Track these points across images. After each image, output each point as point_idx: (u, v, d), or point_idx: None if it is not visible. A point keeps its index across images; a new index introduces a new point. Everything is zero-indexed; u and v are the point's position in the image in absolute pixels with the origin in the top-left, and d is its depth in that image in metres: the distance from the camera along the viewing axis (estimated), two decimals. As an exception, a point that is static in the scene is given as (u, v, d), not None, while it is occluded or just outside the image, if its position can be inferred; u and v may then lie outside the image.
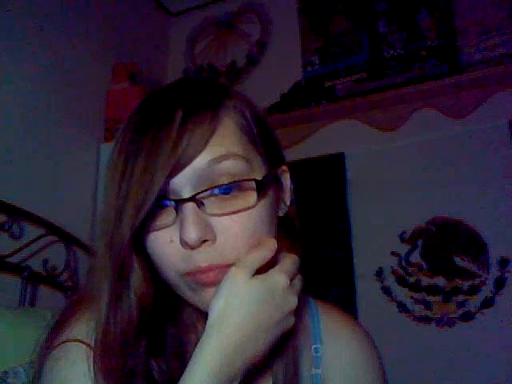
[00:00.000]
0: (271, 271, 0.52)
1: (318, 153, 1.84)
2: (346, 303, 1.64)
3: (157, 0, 2.26)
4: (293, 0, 2.08)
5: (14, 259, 1.34)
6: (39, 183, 1.51)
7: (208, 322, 0.50)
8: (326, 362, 0.63)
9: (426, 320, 1.58)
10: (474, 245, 1.57)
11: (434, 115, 1.72)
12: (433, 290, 1.59)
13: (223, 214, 0.52)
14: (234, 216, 0.52)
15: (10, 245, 1.34)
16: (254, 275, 0.51)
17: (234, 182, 0.52)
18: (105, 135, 1.79)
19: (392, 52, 1.84)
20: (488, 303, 1.51)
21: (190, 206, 0.51)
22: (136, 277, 0.54)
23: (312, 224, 1.76)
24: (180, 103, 0.52)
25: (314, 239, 1.75)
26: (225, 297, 0.49)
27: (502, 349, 1.44)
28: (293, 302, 0.53)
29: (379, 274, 1.67)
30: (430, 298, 1.59)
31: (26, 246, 1.37)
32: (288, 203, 0.61)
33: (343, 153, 1.80)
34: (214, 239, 0.51)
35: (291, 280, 0.54)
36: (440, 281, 1.59)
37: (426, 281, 1.61)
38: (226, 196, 0.52)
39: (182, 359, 0.56)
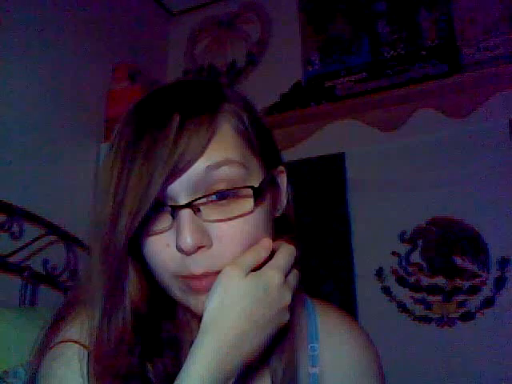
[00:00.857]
0: (265, 268, 0.52)
1: (318, 153, 1.83)
2: (345, 303, 1.64)
3: (157, 0, 2.26)
4: (293, 0, 2.08)
5: (14, 259, 1.34)
6: (39, 183, 1.50)
7: (203, 321, 0.50)
8: (323, 361, 0.63)
9: (425, 320, 1.58)
10: (474, 245, 1.57)
11: (433, 115, 1.71)
12: (433, 290, 1.59)
13: (220, 221, 0.52)
14: (230, 222, 0.52)
15: (10, 245, 1.34)
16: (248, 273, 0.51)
17: (232, 189, 0.52)
18: (105, 135, 1.79)
19: (392, 52, 1.84)
20: (488, 303, 1.51)
21: (186, 213, 0.50)
22: (131, 283, 0.54)
23: (312, 224, 1.76)
24: (177, 107, 0.52)
25: (314, 239, 1.75)
26: (220, 295, 0.49)
27: (502, 349, 1.44)
28: (287, 297, 0.53)
29: (379, 274, 1.67)
30: (430, 298, 1.59)
31: (26, 246, 1.37)
32: (285, 203, 0.61)
33: (343, 153, 1.80)
34: (210, 245, 0.51)
35: (286, 276, 0.54)
36: (440, 281, 1.59)
37: (425, 281, 1.61)
38: (223, 202, 0.52)
39: (177, 359, 0.56)
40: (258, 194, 0.52)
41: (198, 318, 0.52)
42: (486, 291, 1.52)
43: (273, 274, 0.52)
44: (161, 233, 0.52)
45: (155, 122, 0.51)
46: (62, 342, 0.56)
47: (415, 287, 1.62)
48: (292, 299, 0.53)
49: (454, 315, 1.55)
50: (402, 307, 1.62)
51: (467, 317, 1.53)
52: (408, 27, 1.85)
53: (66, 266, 1.49)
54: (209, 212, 0.51)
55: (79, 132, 1.72)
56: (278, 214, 0.61)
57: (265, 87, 1.98)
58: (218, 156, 0.51)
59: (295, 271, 0.56)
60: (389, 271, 1.66)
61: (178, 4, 2.30)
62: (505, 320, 1.47)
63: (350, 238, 1.72)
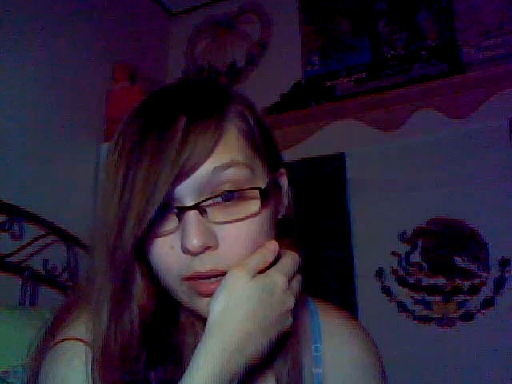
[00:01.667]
0: (270, 271, 0.52)
1: (318, 153, 1.83)
2: (346, 303, 1.64)
3: (157, 0, 2.26)
4: (293, 0, 2.08)
5: (14, 259, 1.34)
6: (39, 183, 1.51)
7: (208, 322, 0.50)
8: (327, 361, 0.63)
9: (426, 320, 1.58)
10: (474, 245, 1.57)
11: (433, 115, 1.72)
12: (433, 289, 1.59)
13: (226, 222, 0.51)
14: (236, 223, 0.52)
15: (10, 245, 1.34)
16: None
17: (238, 190, 0.52)
18: (105, 135, 1.79)
19: (392, 52, 1.84)
20: (488, 303, 1.51)
21: (192, 214, 0.50)
22: (138, 286, 0.53)
23: (312, 224, 1.76)
24: (183, 109, 0.51)
25: (314, 239, 1.75)
26: (225, 297, 0.49)
27: (502, 349, 1.44)
28: (291, 302, 0.53)
29: (379, 274, 1.67)
30: (430, 298, 1.59)
31: (26, 245, 1.37)
32: (286, 205, 0.62)
33: (343, 153, 1.80)
34: (217, 246, 0.51)
35: (290, 280, 0.54)
36: (440, 281, 1.59)
37: (426, 281, 1.61)
38: (229, 203, 0.52)
39: (180, 362, 0.56)
40: (265, 196, 0.52)
41: (203, 320, 0.52)
42: (486, 291, 1.53)
43: (278, 278, 0.52)
44: (166, 235, 0.52)
45: (161, 123, 0.51)
46: (65, 339, 0.56)
47: (415, 287, 1.62)
48: (295, 304, 0.53)
49: (454, 315, 1.55)
50: (402, 307, 1.62)
51: (467, 317, 1.53)
52: (408, 27, 1.85)
53: (66, 266, 1.49)
54: (215, 213, 0.51)
55: (79, 132, 1.71)
56: (280, 216, 0.61)
57: (265, 87, 1.98)
58: (225, 158, 0.51)
59: (299, 276, 0.56)
60: (389, 271, 1.66)
61: (178, 4, 2.30)
62: (505, 320, 1.47)
63: (350, 238, 1.72)
